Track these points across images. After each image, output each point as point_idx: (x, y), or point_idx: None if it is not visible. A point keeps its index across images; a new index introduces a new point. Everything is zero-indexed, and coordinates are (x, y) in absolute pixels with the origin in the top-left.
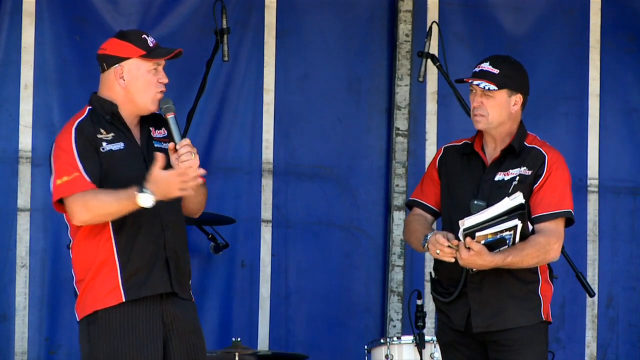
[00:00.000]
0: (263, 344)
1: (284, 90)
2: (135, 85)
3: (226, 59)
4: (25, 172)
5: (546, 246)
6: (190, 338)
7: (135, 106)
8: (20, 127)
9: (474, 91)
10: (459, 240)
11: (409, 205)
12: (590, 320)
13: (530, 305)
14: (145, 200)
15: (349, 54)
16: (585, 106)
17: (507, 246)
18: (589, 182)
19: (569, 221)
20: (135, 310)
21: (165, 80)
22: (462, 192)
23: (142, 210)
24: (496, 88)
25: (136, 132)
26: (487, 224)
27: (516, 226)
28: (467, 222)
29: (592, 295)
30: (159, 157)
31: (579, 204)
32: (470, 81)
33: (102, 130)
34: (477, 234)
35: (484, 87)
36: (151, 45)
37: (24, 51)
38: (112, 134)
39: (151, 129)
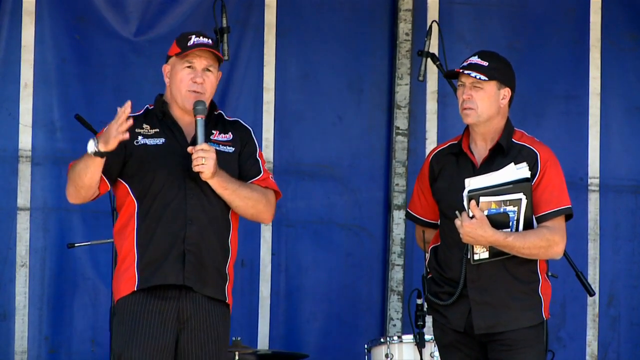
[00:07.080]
0: (263, 343)
1: (284, 89)
2: (173, 82)
3: (226, 58)
4: (25, 171)
5: (550, 240)
6: (203, 338)
7: (178, 104)
8: (20, 126)
9: (462, 85)
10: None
11: (408, 217)
12: (592, 319)
13: (532, 305)
14: (89, 146)
15: (349, 53)
16: (586, 105)
17: (510, 229)
18: (589, 181)
19: (568, 217)
20: (148, 300)
21: (199, 80)
22: (455, 194)
23: (166, 205)
24: (487, 79)
25: (191, 131)
26: (491, 190)
27: (520, 200)
28: (472, 183)
29: (591, 294)
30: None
31: (580, 202)
32: (461, 71)
33: (145, 126)
34: (481, 199)
35: (475, 77)
36: (191, 43)
37: (24, 50)
38: (157, 130)
39: (214, 131)
